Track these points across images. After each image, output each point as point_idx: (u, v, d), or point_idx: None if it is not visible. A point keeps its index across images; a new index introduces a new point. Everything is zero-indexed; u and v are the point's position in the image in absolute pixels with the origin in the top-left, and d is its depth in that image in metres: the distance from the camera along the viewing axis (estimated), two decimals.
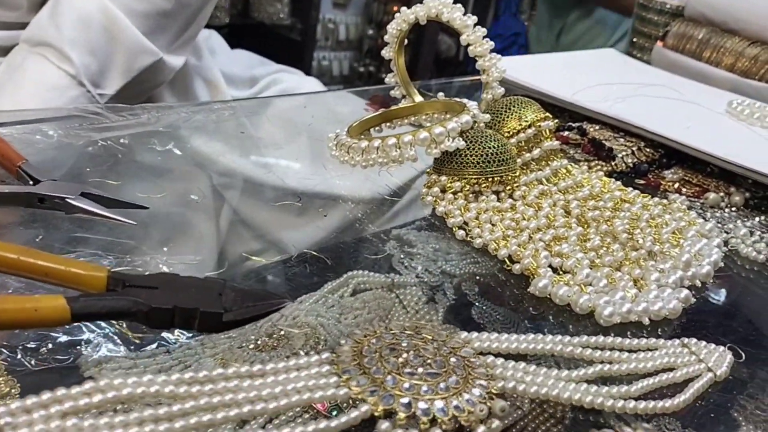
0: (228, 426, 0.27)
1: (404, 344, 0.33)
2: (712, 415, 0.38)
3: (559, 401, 0.34)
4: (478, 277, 0.47)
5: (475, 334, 0.36)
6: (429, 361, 0.33)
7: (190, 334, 0.37)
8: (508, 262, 0.47)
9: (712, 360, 0.40)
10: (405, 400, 0.30)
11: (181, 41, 0.83)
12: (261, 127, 0.74)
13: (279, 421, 0.31)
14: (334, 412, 0.32)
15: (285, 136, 0.72)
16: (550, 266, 0.46)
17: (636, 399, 0.35)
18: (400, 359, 0.32)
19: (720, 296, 0.51)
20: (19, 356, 0.34)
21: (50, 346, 0.37)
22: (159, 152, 0.58)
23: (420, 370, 0.32)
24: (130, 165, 0.54)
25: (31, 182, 0.41)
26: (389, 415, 0.30)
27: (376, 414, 0.29)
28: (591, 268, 0.47)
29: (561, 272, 0.46)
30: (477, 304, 0.44)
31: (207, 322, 0.31)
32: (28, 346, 0.36)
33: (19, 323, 0.28)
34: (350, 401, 0.30)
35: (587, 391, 0.35)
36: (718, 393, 0.39)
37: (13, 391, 0.31)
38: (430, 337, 0.35)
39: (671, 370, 0.38)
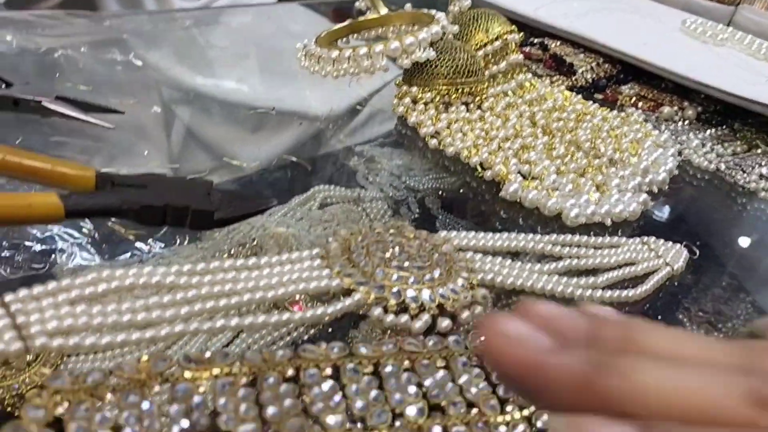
0: (231, 313, 0.28)
1: (389, 241, 0.35)
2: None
3: (534, 292, 0.36)
4: (441, 192, 0.48)
5: (454, 233, 0.38)
6: (414, 255, 0.34)
7: (162, 245, 0.38)
8: (479, 170, 0.49)
9: (670, 256, 0.43)
10: (395, 290, 0.31)
11: None
12: (219, 37, 0.73)
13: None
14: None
15: (240, 49, 0.71)
16: (519, 173, 0.48)
17: (602, 289, 0.38)
18: (387, 254, 0.34)
19: (675, 201, 0.54)
20: None
21: (25, 255, 0.37)
22: (120, 62, 0.56)
23: (406, 263, 0.33)
24: (93, 73, 0.52)
25: (3, 85, 0.40)
26: (379, 304, 0.31)
27: (368, 303, 0.31)
28: (557, 175, 0.49)
29: (529, 178, 0.48)
30: (440, 216, 0.46)
31: (198, 220, 0.32)
32: (2, 255, 0.36)
33: (13, 219, 0.28)
34: (341, 292, 0.32)
35: (559, 282, 0.37)
36: (674, 286, 0.42)
37: None
38: (412, 235, 0.36)
39: (632, 264, 0.41)
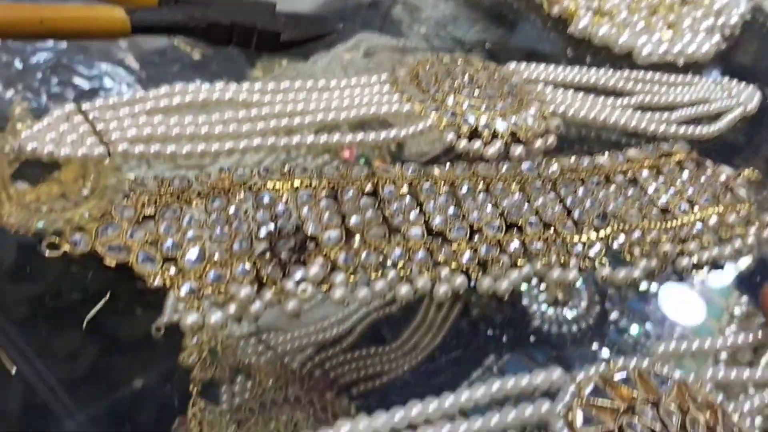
0: (304, 132, 0.28)
1: (458, 70, 0.34)
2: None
3: (606, 125, 0.35)
4: (486, 45, 0.46)
5: (523, 64, 0.36)
6: (483, 85, 0.33)
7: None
8: (545, 5, 0.46)
9: (743, 96, 0.41)
10: (468, 116, 0.31)
11: None
12: None
13: None
14: (361, 160, 0.33)
15: None
16: (588, 8, 0.45)
17: (676, 125, 0.37)
18: (456, 82, 0.33)
19: (747, 45, 0.51)
20: (44, 100, 0.35)
21: (75, 93, 0.36)
22: None
23: (476, 92, 0.32)
24: None
25: None
26: (451, 129, 0.30)
27: (440, 128, 0.30)
28: (628, 12, 0.46)
29: (600, 14, 0.45)
30: None
31: (265, 41, 0.31)
32: (53, 92, 0.36)
33: (80, 33, 0.27)
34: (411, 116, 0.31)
35: (632, 116, 0.36)
36: (746, 126, 0.41)
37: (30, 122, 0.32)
38: (480, 65, 0.35)
39: (706, 102, 0.40)
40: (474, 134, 0.30)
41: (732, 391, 0.25)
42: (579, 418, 0.21)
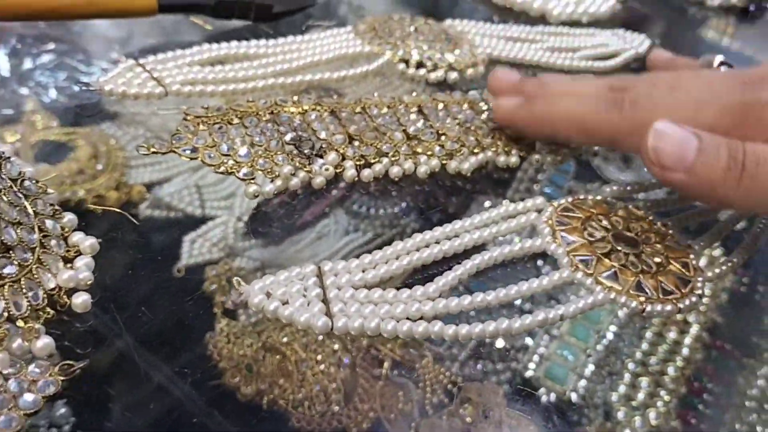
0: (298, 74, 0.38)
1: (406, 24, 0.44)
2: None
3: (524, 62, 0.46)
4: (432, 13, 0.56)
5: (458, 20, 0.47)
6: (428, 34, 0.44)
7: None
8: None
9: (636, 42, 0.52)
10: (414, 53, 0.41)
11: None
12: None
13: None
14: None
15: None
16: None
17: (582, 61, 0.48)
18: (405, 32, 0.43)
19: (642, 3, 0.63)
20: (54, 95, 0.42)
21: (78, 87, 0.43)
22: None
23: (421, 38, 0.43)
24: None
25: None
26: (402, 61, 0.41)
27: (394, 61, 0.41)
28: None
29: None
30: None
31: (261, 14, 0.41)
32: (59, 86, 0.43)
33: (109, 11, 0.37)
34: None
35: (544, 54, 0.47)
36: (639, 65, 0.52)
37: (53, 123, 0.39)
38: (423, 21, 0.45)
39: (605, 46, 0.51)
40: (420, 66, 0.41)
41: None
42: (555, 221, 0.30)
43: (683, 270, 0.29)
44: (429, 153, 0.34)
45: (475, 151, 0.35)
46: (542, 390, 0.37)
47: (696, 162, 0.26)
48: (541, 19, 0.54)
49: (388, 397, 0.34)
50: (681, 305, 0.27)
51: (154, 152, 0.29)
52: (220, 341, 0.34)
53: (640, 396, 0.38)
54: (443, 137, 0.35)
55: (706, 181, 0.26)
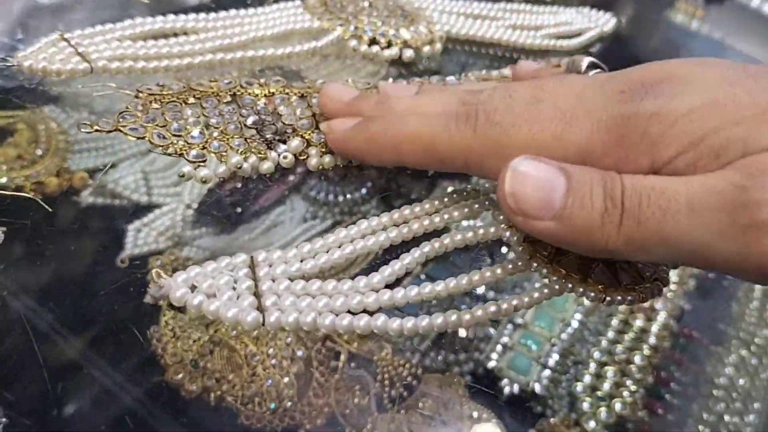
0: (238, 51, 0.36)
1: None
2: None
3: (484, 40, 0.44)
4: None
5: None
6: (382, 9, 0.41)
7: None
8: None
9: (600, 20, 0.51)
10: (367, 29, 0.39)
11: None
12: None
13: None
14: None
15: None
16: None
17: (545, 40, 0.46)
18: (358, 7, 0.41)
19: None
20: None
21: None
22: None
23: (375, 13, 0.41)
24: None
25: None
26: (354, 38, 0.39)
27: (345, 38, 0.38)
28: None
29: None
30: None
31: None
32: None
33: None
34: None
35: (506, 32, 0.45)
36: (603, 45, 0.50)
37: None
38: None
39: (569, 24, 0.49)
40: (373, 42, 0.39)
41: None
42: None
43: None
44: None
45: None
46: (505, 381, 0.35)
47: (565, 207, 0.21)
48: None
49: (344, 392, 0.33)
50: (644, 294, 0.25)
51: (97, 130, 0.27)
52: (165, 336, 0.32)
53: (606, 386, 0.37)
54: None
55: (579, 229, 0.21)
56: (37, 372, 0.27)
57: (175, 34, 0.35)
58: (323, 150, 0.30)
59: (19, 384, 0.26)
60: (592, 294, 0.24)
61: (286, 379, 0.32)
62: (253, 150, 0.28)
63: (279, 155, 0.29)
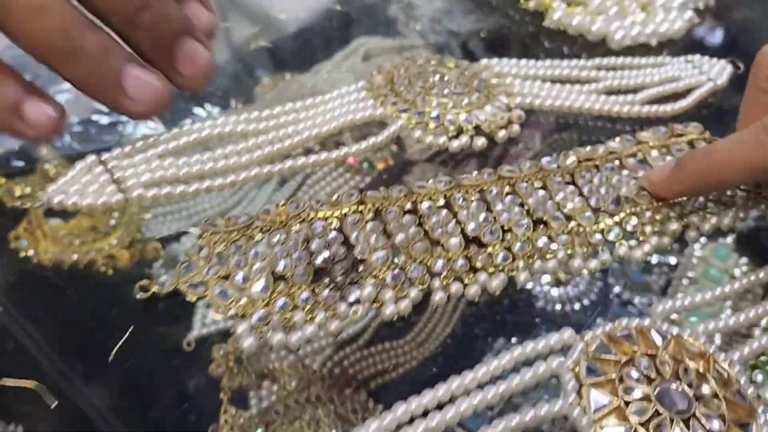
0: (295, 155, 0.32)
1: (430, 71, 0.37)
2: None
3: (572, 110, 0.38)
4: (482, 33, 0.49)
5: (495, 60, 0.40)
6: (453, 83, 0.37)
7: (219, 109, 0.41)
8: (522, 0, 0.49)
9: (713, 71, 0.43)
10: (434, 114, 0.34)
11: None
12: None
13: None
14: (365, 165, 0.37)
15: None
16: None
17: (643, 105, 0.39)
18: (428, 83, 0.36)
19: (722, 19, 0.52)
20: (68, 140, 0.38)
21: (94, 129, 0.40)
22: None
23: (446, 91, 0.36)
24: None
25: None
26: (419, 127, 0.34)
27: (410, 127, 0.34)
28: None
29: (573, 4, 0.48)
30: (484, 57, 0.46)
31: None
32: (74, 131, 0.39)
33: None
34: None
35: (597, 99, 0.39)
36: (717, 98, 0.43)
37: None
38: (452, 65, 0.38)
39: (675, 81, 0.42)
40: (438, 128, 0.34)
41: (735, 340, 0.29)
42: (584, 369, 0.24)
43: None
44: (491, 269, 0.28)
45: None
46: None
47: None
48: (602, 45, 0.46)
49: None
50: None
51: (154, 294, 0.26)
52: None
53: None
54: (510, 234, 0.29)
55: None
56: None
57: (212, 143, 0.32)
58: (399, 296, 0.27)
59: None
60: None
61: None
62: (322, 307, 0.26)
63: (350, 309, 0.26)
